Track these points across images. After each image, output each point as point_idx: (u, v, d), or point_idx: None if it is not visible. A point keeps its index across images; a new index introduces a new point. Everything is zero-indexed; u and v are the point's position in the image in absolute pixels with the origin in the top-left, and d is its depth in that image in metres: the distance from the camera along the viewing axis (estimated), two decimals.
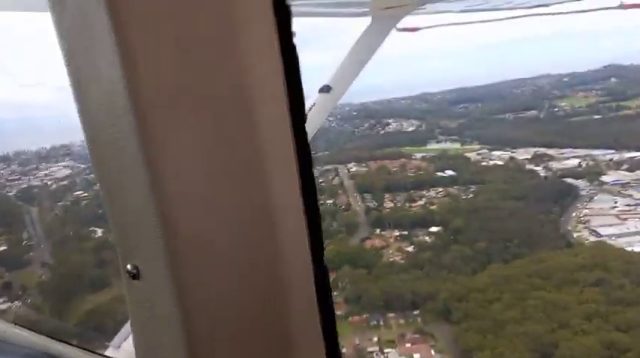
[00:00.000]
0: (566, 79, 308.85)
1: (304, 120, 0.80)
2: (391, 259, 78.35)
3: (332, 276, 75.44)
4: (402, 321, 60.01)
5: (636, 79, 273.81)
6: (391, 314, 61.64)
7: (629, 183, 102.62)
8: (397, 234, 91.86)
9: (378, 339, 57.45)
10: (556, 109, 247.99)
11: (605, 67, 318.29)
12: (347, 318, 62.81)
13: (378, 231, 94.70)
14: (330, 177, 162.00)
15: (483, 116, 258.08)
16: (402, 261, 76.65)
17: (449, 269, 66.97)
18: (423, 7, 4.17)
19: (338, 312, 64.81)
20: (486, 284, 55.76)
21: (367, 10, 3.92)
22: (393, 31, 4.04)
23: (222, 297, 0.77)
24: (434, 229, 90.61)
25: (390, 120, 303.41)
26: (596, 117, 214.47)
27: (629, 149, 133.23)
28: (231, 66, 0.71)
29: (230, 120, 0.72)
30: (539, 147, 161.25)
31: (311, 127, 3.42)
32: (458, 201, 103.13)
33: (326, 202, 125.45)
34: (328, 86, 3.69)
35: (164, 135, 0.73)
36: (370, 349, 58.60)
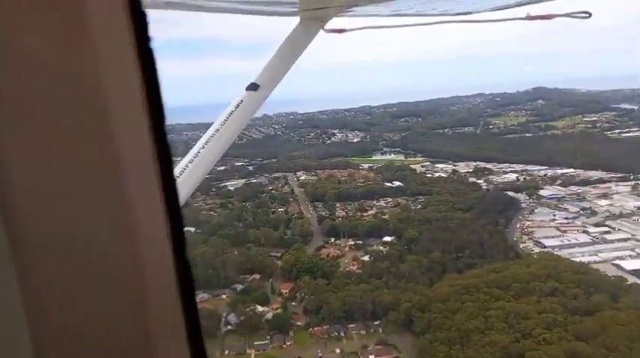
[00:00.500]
0: (498, 99, 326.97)
1: (163, 123, 0.78)
2: (348, 268, 77.63)
3: (290, 286, 73.38)
4: (363, 332, 59.07)
5: (560, 101, 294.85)
6: (352, 325, 60.62)
7: (564, 197, 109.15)
8: (352, 243, 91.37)
9: (341, 351, 56.12)
10: (491, 126, 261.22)
11: (533, 89, 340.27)
12: (307, 329, 60.95)
13: (332, 240, 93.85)
14: (280, 185, 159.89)
15: (424, 130, 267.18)
16: (359, 271, 76.17)
17: (407, 279, 67.18)
18: (351, 9, 4.09)
19: (298, 323, 62.84)
20: (447, 294, 56.17)
21: (295, 10, 3.80)
22: (321, 32, 4.01)
23: (72, 298, 0.73)
24: (387, 239, 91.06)
25: (335, 131, 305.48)
26: (528, 135, 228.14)
27: (560, 166, 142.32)
28: (85, 71, 0.67)
29: (85, 125, 0.69)
30: (478, 161, 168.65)
31: (238, 124, 3.46)
32: (408, 211, 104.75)
33: (277, 210, 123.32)
34: (255, 84, 3.61)
35: (13, 138, 0.67)
36: None
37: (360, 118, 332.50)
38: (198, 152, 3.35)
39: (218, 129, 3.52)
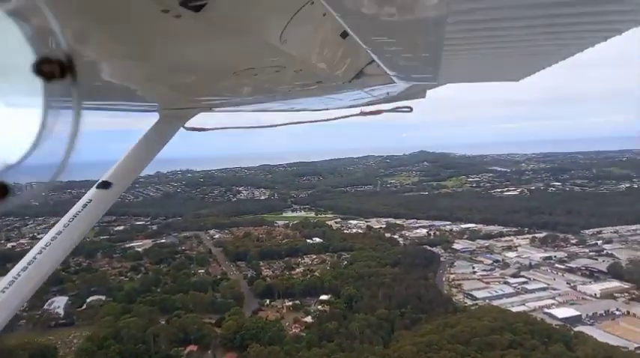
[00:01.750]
0: (388, 161, 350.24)
1: None
2: (292, 332, 72.01)
3: (234, 357, 65.35)
4: None
5: (444, 163, 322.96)
6: None
7: (475, 250, 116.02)
8: (289, 303, 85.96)
9: None
10: (388, 185, 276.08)
11: (418, 152, 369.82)
12: None
13: (267, 301, 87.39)
14: (194, 245, 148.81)
15: (328, 188, 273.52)
16: (304, 334, 71.02)
17: (360, 339, 63.83)
18: (212, 110, 4.01)
19: None
20: (412, 354, 53.86)
21: (155, 107, 3.65)
22: (181, 130, 3.93)
23: None
24: (324, 297, 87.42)
25: (240, 188, 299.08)
26: (424, 193, 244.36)
27: (462, 221, 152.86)
28: None
29: None
30: (388, 217, 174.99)
31: (85, 225, 3.15)
32: (339, 268, 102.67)
33: (198, 272, 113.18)
34: (107, 182, 3.33)
35: None
36: None
37: (261, 176, 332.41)
38: (34, 258, 2.75)
39: (60, 232, 2.91)
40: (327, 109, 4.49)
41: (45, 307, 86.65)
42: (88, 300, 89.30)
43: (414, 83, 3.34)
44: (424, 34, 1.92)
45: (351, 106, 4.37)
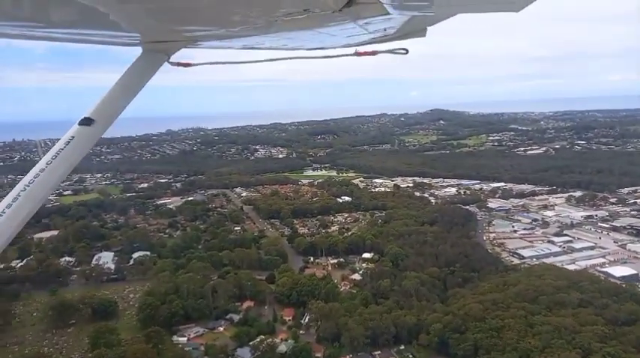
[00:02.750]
0: (402, 119, 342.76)
1: None
2: (342, 289, 71.76)
3: (292, 313, 65.32)
4: None
5: (460, 121, 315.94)
6: (378, 352, 54.84)
7: (510, 209, 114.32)
8: (334, 261, 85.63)
9: None
10: (407, 144, 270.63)
11: (431, 110, 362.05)
12: None
13: (311, 258, 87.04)
14: (224, 203, 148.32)
15: (345, 146, 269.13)
16: (354, 291, 70.67)
17: (417, 297, 63.25)
18: (198, 43, 3.88)
19: (317, 355, 55.41)
20: (480, 312, 53.09)
21: (138, 41, 3.55)
22: (166, 65, 3.87)
23: None
24: (367, 255, 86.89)
25: (257, 147, 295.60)
26: (444, 151, 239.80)
27: (489, 180, 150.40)
28: None
29: None
30: (410, 176, 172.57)
31: (67, 163, 3.07)
32: (375, 226, 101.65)
33: (234, 229, 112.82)
34: (89, 118, 3.24)
35: None
36: None
37: (275, 135, 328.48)
38: (18, 195, 2.77)
39: (43, 169, 2.90)
40: (323, 49, 4.30)
41: (94, 262, 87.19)
42: (134, 256, 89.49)
43: (410, 14, 3.12)
44: None
45: (346, 45, 4.16)
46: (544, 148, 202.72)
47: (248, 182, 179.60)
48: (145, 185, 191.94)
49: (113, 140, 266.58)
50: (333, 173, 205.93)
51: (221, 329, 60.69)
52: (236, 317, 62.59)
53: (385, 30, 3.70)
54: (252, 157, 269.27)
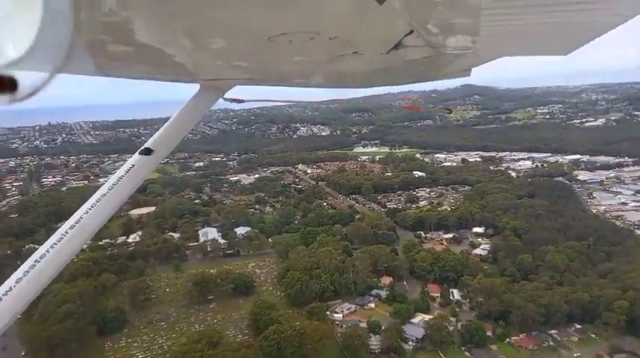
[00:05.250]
0: (434, 95, 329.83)
1: None
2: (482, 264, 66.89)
3: (437, 288, 61.16)
4: (575, 339, 49.11)
5: (497, 96, 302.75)
6: (553, 331, 50.47)
7: (603, 181, 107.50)
8: (446, 236, 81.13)
9: None
10: (450, 119, 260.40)
11: (462, 86, 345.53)
12: (503, 339, 49.78)
13: (421, 233, 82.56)
14: (295, 179, 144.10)
15: (388, 123, 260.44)
16: (487, 267, 66.05)
17: (572, 273, 58.37)
18: (251, 81, 3.93)
19: (488, 333, 51.31)
20: None
21: (196, 78, 3.69)
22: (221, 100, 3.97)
23: None
24: (479, 230, 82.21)
25: (297, 125, 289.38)
26: (492, 126, 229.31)
27: (560, 153, 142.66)
28: None
29: None
30: (472, 150, 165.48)
31: (127, 190, 3.22)
32: (472, 200, 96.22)
33: (322, 204, 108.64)
34: (149, 149, 3.40)
35: None
36: None
37: (308, 114, 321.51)
38: (81, 218, 2.93)
39: (105, 194, 3.10)
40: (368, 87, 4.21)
41: (201, 238, 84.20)
42: (238, 231, 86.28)
43: (456, 56, 3.10)
44: (466, 5, 1.89)
45: (390, 83, 4.19)
46: (601, 120, 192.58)
47: (307, 159, 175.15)
48: (201, 164, 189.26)
49: (149, 121, 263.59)
50: (385, 149, 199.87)
51: (372, 305, 57.09)
52: (382, 294, 58.73)
53: (432, 70, 3.58)
54: (295, 136, 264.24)
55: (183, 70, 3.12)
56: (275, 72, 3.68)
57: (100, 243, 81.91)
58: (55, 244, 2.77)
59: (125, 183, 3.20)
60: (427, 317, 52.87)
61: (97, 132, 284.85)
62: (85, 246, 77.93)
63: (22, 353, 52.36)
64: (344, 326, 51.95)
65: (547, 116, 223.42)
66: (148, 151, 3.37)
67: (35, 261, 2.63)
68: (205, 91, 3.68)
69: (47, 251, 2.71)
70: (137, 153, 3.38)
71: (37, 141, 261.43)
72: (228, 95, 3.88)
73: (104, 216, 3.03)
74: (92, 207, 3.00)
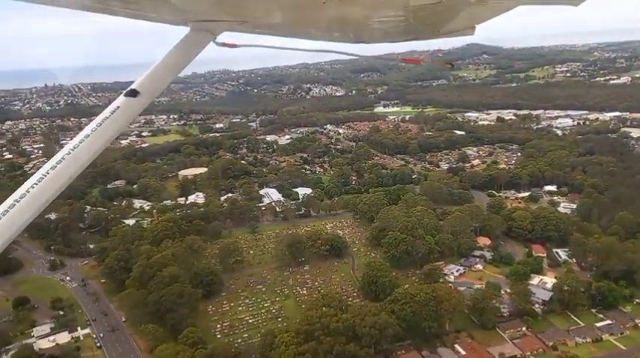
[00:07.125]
0: (440, 55, 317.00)
1: None
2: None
3: (539, 248, 57.73)
4: None
5: (506, 55, 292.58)
6: None
7: None
8: (520, 195, 77.44)
9: None
10: (464, 78, 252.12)
11: (467, 45, 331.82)
12: (631, 301, 46.96)
13: (492, 192, 78.57)
14: (330, 139, 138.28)
15: (403, 83, 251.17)
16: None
17: None
18: (244, 26, 3.70)
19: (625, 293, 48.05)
20: None
21: (186, 19, 3.48)
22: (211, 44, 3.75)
23: None
24: (551, 188, 78.63)
25: (309, 85, 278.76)
26: (512, 84, 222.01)
27: (596, 110, 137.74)
28: None
29: None
30: (501, 109, 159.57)
31: (111, 132, 3.04)
32: (532, 158, 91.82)
33: (376, 164, 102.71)
34: (134, 90, 3.19)
35: None
36: None
37: (314, 74, 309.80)
38: (63, 158, 2.83)
39: (88, 136, 2.96)
40: (370, 42, 4.15)
41: (264, 200, 79.86)
42: (300, 192, 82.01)
43: (464, 7, 2.97)
44: None
45: (395, 39, 4.10)
46: (625, 78, 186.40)
47: (334, 119, 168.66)
48: (221, 125, 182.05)
49: None
50: (408, 109, 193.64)
51: (480, 267, 53.68)
52: (487, 255, 55.34)
53: (435, 25, 3.52)
54: (308, 96, 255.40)
55: (172, 9, 2.89)
56: (268, 16, 3.33)
57: (162, 204, 77.48)
58: (36, 184, 2.63)
59: (109, 125, 2.94)
60: (544, 278, 49.71)
61: (99, 94, 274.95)
62: (156, 206, 73.04)
63: (123, 320, 48.84)
64: (460, 288, 48.72)
65: (568, 74, 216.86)
66: (133, 93, 3.11)
67: (15, 200, 2.54)
68: (195, 34, 3.37)
69: (30, 189, 2.58)
70: (122, 95, 3.12)
71: (39, 104, 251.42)
72: (219, 39, 3.63)
73: (86, 158, 2.83)
74: (74, 148, 2.78)
